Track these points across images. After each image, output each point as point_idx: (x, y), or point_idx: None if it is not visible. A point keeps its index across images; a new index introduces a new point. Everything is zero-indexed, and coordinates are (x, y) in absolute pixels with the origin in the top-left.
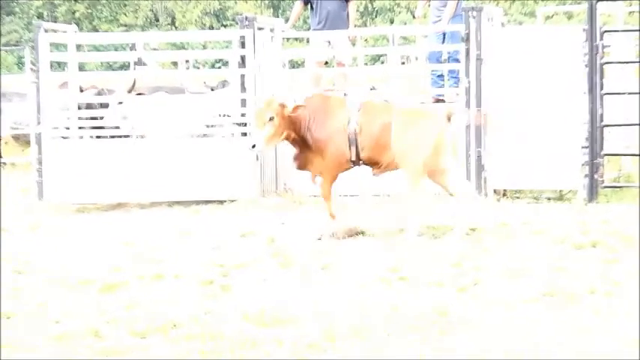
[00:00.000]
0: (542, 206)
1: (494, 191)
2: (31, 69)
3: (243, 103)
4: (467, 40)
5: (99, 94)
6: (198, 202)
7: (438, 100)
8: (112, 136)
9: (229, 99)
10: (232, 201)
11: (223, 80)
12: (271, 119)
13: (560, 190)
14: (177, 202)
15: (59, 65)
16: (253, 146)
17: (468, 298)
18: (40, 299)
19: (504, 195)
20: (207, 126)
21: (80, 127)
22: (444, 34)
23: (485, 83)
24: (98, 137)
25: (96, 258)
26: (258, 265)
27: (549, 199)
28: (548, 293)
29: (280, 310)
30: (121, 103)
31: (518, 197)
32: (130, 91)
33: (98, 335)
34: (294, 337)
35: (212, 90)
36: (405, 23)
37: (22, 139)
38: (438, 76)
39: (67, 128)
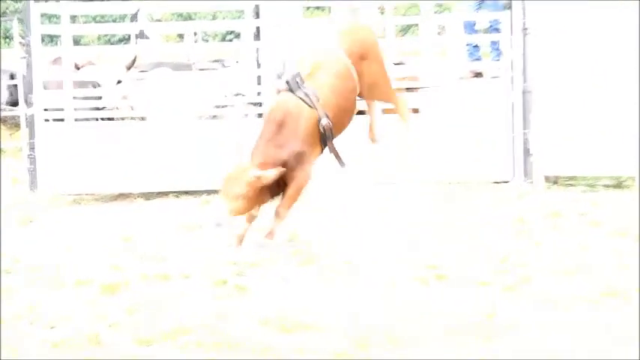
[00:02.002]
0: (598, 195)
1: (545, 178)
2: (21, 43)
3: (259, 80)
4: (510, 7)
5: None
6: (208, 192)
7: (476, 75)
8: (111, 119)
9: (243, 76)
10: None
11: (216, 59)
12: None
13: (619, 177)
14: (185, 192)
15: (51, 39)
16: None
17: (515, 298)
18: (33, 301)
19: (555, 182)
20: (218, 106)
21: (76, 109)
22: (480, 1)
23: (531, 57)
24: (97, 120)
25: (94, 255)
26: (277, 262)
27: (607, 186)
28: (607, 293)
29: (302, 314)
30: (120, 82)
31: (571, 185)
32: (129, 68)
33: (98, 342)
34: (319, 345)
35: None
36: None
37: (9, 122)
38: (474, 46)
39: (61, 109)
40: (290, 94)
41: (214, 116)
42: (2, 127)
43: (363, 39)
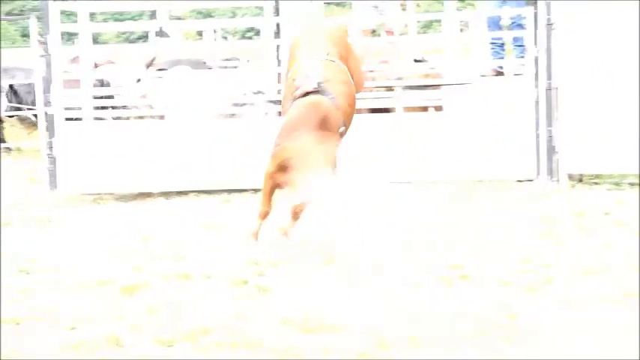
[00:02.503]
0: (624, 193)
1: (569, 176)
2: (39, 41)
3: (279, 78)
4: (535, 3)
5: None
6: (228, 191)
7: (498, 73)
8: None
9: (262, 73)
10: None
11: (226, 59)
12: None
13: None
14: (205, 191)
15: (69, 37)
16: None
17: (538, 299)
18: (51, 303)
19: (580, 180)
20: (237, 105)
21: (96, 108)
22: None
23: (556, 53)
24: (116, 119)
25: (114, 255)
26: (299, 262)
27: (632, 184)
28: (632, 293)
29: (325, 315)
30: (139, 80)
31: (596, 183)
32: (148, 67)
33: (118, 343)
34: (342, 346)
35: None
36: None
37: (27, 122)
38: (499, 45)
39: (80, 108)
40: (321, 96)
41: (233, 114)
42: (20, 126)
43: (344, 39)
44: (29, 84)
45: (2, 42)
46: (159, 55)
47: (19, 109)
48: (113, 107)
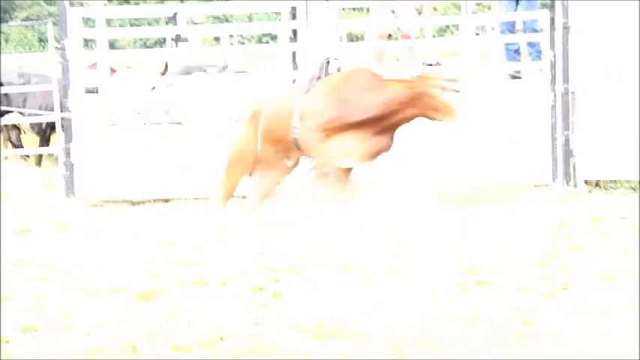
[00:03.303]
0: None
1: (585, 181)
2: (56, 47)
3: (295, 83)
4: (552, 6)
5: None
6: (245, 196)
7: (514, 77)
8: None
9: (279, 79)
10: (284, 193)
11: (225, 65)
12: None
13: None
14: None
15: (86, 43)
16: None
17: (556, 304)
18: (67, 310)
19: (597, 185)
20: None
21: (111, 114)
22: (517, 0)
23: (573, 56)
24: (133, 125)
25: (131, 262)
26: (315, 268)
27: None
28: None
29: (341, 321)
30: (154, 87)
31: (613, 188)
32: (163, 74)
33: (135, 350)
34: (358, 352)
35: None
36: None
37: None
38: (515, 50)
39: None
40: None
41: None
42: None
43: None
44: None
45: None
46: (172, 62)
47: (37, 114)
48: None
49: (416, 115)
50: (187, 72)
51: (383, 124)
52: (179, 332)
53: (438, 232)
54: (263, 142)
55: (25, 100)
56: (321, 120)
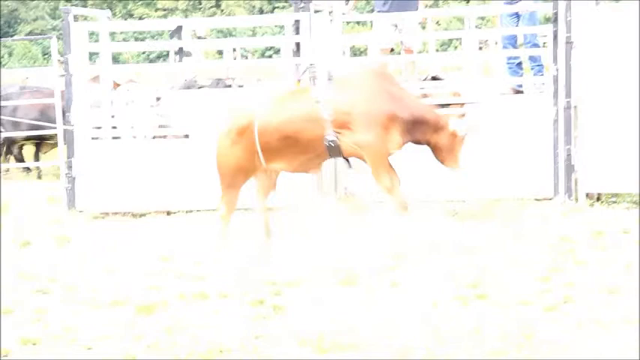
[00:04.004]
0: None
1: (587, 195)
2: (59, 61)
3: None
4: (555, 20)
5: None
6: (246, 209)
7: (517, 92)
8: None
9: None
10: (286, 207)
11: (217, 78)
12: None
13: None
14: None
15: (90, 56)
16: None
17: (557, 318)
18: (68, 322)
19: (598, 199)
20: None
21: (113, 127)
22: (518, 15)
23: (576, 70)
24: (135, 138)
25: (131, 274)
26: (316, 282)
27: None
28: None
29: (342, 334)
30: (159, 99)
31: (614, 202)
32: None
33: None
34: None
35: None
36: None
37: (43, 142)
38: (517, 64)
39: (99, 128)
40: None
41: None
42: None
43: None
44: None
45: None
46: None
47: (38, 128)
48: (133, 127)
49: (428, 142)
50: (189, 86)
51: (420, 130)
52: (180, 345)
53: (439, 245)
54: (270, 153)
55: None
56: (375, 117)
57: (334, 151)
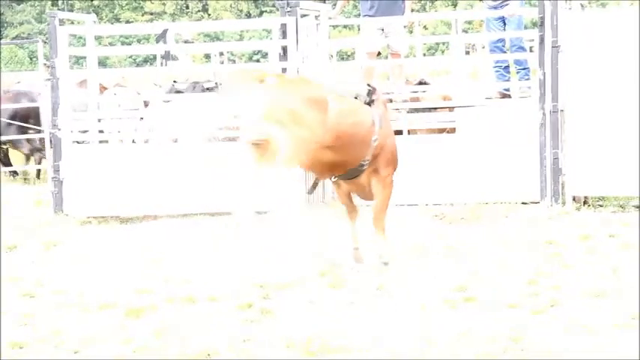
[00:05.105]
0: (629, 216)
1: (574, 198)
2: (45, 65)
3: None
4: (541, 25)
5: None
6: (229, 213)
7: (504, 96)
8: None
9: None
10: (273, 212)
11: (194, 82)
12: None
13: None
14: (210, 214)
15: (77, 60)
16: None
17: (545, 322)
18: (55, 326)
19: (585, 203)
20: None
21: (100, 131)
22: (504, 19)
23: (562, 74)
24: (122, 142)
25: (120, 278)
26: (304, 285)
27: (638, 207)
28: (638, 316)
29: (330, 338)
30: (146, 105)
31: (601, 205)
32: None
33: None
34: None
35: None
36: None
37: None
38: (504, 67)
39: (85, 132)
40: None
41: (238, 137)
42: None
43: None
44: (35, 107)
45: (11, 65)
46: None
47: (25, 131)
48: (119, 131)
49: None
50: (177, 90)
51: None
52: (168, 348)
53: (427, 248)
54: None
55: None
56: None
57: None
